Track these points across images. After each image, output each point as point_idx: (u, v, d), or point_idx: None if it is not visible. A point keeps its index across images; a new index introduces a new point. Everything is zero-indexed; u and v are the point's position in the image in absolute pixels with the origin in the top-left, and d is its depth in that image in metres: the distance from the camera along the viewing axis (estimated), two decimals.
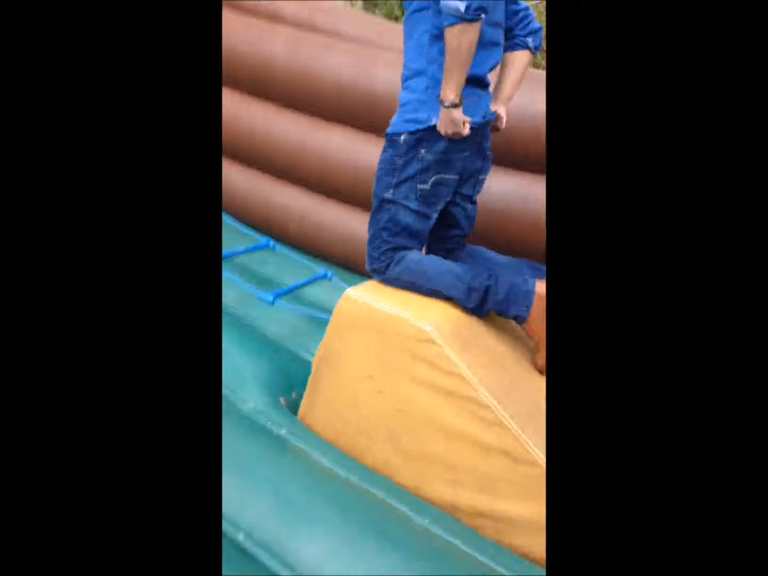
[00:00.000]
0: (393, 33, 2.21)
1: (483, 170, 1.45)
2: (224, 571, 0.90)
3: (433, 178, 1.30)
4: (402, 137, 1.29)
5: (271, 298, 1.65)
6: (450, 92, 1.21)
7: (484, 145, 1.43)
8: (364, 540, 1.06)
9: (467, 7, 1.11)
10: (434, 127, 1.27)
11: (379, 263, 1.39)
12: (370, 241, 1.41)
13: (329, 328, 1.34)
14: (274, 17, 2.34)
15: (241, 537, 1.08)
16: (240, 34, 2.33)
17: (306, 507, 1.10)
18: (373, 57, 2.10)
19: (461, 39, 1.15)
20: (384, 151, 1.36)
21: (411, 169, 1.29)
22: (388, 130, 1.35)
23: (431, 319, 1.19)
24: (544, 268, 1.40)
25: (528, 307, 1.23)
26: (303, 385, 1.51)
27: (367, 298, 1.28)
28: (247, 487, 1.17)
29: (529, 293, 1.24)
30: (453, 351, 1.15)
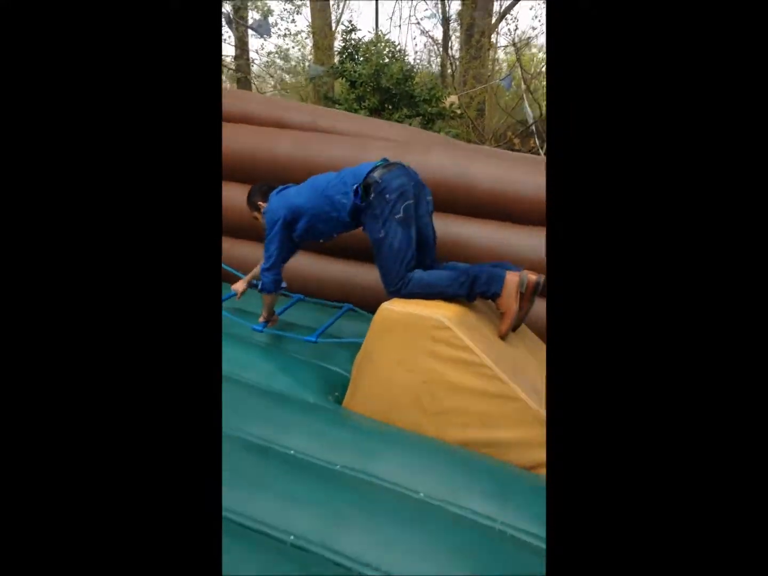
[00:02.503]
0: (379, 126, 2.97)
1: (426, 193, 2.10)
2: None
3: (403, 206, 1.95)
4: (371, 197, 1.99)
5: (314, 339, 2.25)
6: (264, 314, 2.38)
7: (419, 180, 2.07)
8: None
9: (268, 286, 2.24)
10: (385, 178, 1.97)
11: (394, 286, 2.00)
12: (385, 273, 2.02)
13: (369, 333, 1.92)
14: (280, 124, 3.05)
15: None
16: (251, 139, 3.01)
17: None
18: (364, 144, 2.82)
19: (267, 299, 2.33)
20: (364, 213, 2.02)
21: (387, 210, 1.94)
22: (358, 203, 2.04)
23: (443, 314, 1.81)
24: (507, 263, 2.04)
25: (501, 287, 1.89)
26: (338, 388, 2.09)
27: (397, 307, 1.88)
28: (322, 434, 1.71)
29: (502, 277, 1.90)
30: (461, 333, 1.76)
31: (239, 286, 2.46)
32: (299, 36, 8.17)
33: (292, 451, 1.61)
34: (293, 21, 8.25)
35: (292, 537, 1.26)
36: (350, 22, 6.18)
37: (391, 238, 1.98)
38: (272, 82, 9.14)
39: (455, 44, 10.60)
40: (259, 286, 2.29)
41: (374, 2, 8.93)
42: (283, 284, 2.33)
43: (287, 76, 8.65)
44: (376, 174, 2.00)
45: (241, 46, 9.43)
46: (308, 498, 1.37)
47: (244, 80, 9.57)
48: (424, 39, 11.66)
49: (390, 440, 1.71)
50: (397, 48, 5.89)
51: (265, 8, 6.54)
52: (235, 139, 2.98)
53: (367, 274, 2.82)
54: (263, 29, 5.28)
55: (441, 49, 11.18)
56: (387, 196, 1.95)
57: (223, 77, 9.00)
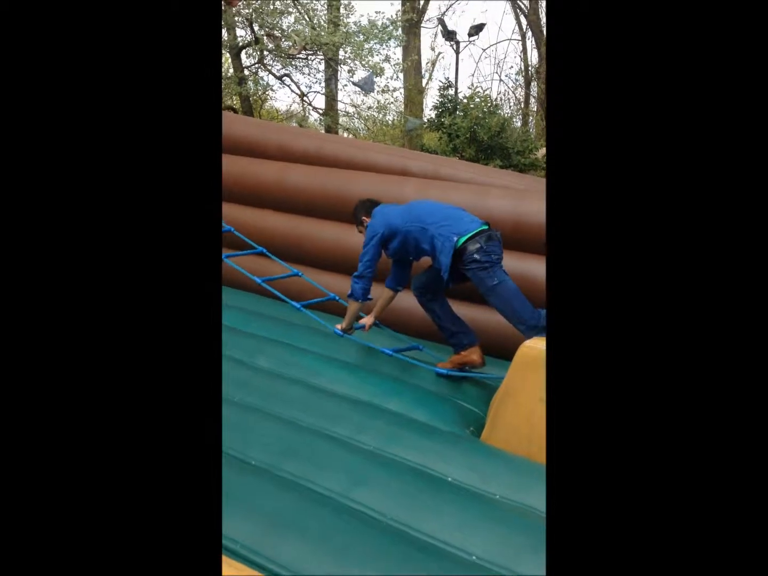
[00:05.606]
0: (497, 174, 3.12)
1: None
2: None
3: (495, 259, 2.23)
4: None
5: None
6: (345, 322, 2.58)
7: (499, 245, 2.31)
8: None
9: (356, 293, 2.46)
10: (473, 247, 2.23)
11: (532, 321, 2.15)
12: (515, 312, 2.18)
13: (510, 370, 2.00)
14: (404, 172, 3.26)
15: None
16: (377, 186, 3.23)
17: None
18: (485, 192, 2.97)
19: (352, 306, 2.52)
20: (472, 273, 2.25)
21: (488, 263, 2.21)
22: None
23: None
24: None
25: None
26: (472, 422, 2.17)
27: (539, 345, 1.95)
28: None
29: None
30: None
31: (367, 320, 2.66)
32: (396, 93, 8.70)
33: (449, 478, 1.68)
34: (396, 78, 8.89)
35: (474, 557, 1.33)
36: (447, 79, 6.53)
37: (505, 280, 2.20)
38: (363, 135, 9.67)
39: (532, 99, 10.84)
40: (348, 292, 2.51)
41: (455, 62, 9.33)
42: (369, 296, 2.53)
43: (383, 129, 9.14)
44: (473, 249, 2.21)
45: (331, 100, 10.11)
46: (481, 521, 1.44)
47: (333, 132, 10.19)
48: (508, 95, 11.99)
49: (538, 475, 1.74)
50: (494, 102, 6.14)
51: (377, 67, 7.06)
52: (362, 186, 3.20)
53: None
54: (368, 86, 5.66)
55: (523, 104, 11.46)
56: (493, 257, 2.23)
57: (317, 126, 9.64)
